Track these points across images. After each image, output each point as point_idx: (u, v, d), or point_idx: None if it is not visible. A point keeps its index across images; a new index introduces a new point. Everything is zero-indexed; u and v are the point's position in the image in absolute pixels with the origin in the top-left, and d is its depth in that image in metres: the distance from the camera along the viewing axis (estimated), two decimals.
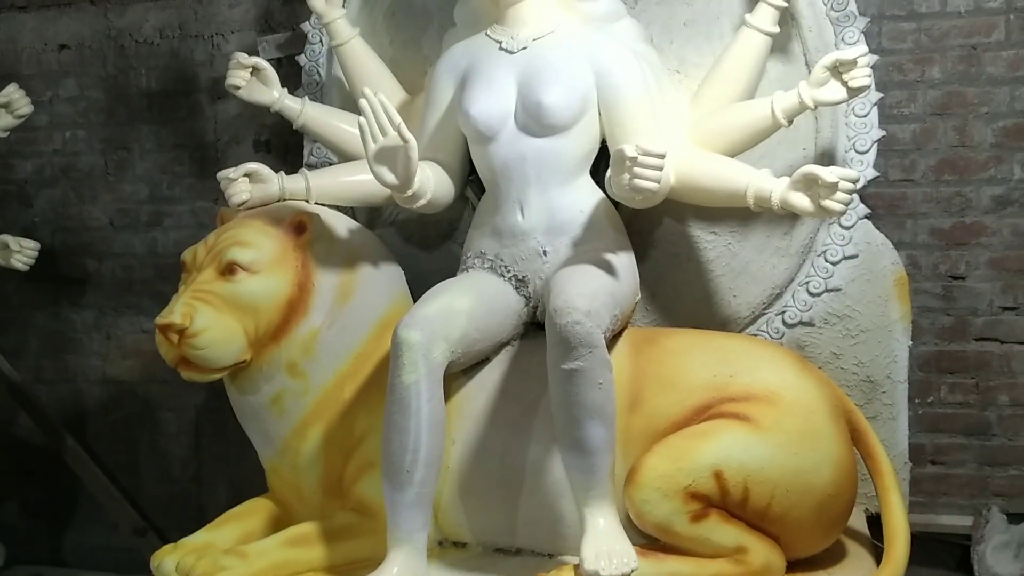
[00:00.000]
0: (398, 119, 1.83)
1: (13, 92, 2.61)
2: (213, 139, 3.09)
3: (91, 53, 3.19)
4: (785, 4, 2.08)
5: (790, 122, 2.00)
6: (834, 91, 1.95)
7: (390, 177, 1.91)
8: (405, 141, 1.84)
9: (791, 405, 1.86)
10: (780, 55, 2.21)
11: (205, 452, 3.20)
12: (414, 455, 1.80)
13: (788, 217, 2.10)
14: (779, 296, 2.29)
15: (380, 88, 2.15)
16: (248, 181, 2.18)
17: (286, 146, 2.93)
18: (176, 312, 1.98)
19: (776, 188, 1.85)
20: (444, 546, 2.09)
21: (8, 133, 2.65)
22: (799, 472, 1.82)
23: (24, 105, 2.62)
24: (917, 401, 2.56)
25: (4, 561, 3.13)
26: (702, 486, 1.78)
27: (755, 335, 2.27)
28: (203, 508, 3.11)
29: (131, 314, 3.23)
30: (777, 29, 2.09)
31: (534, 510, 1.99)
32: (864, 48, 1.96)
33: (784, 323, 2.29)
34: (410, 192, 1.95)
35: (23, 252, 2.61)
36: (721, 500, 1.80)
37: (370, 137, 1.86)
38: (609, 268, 1.98)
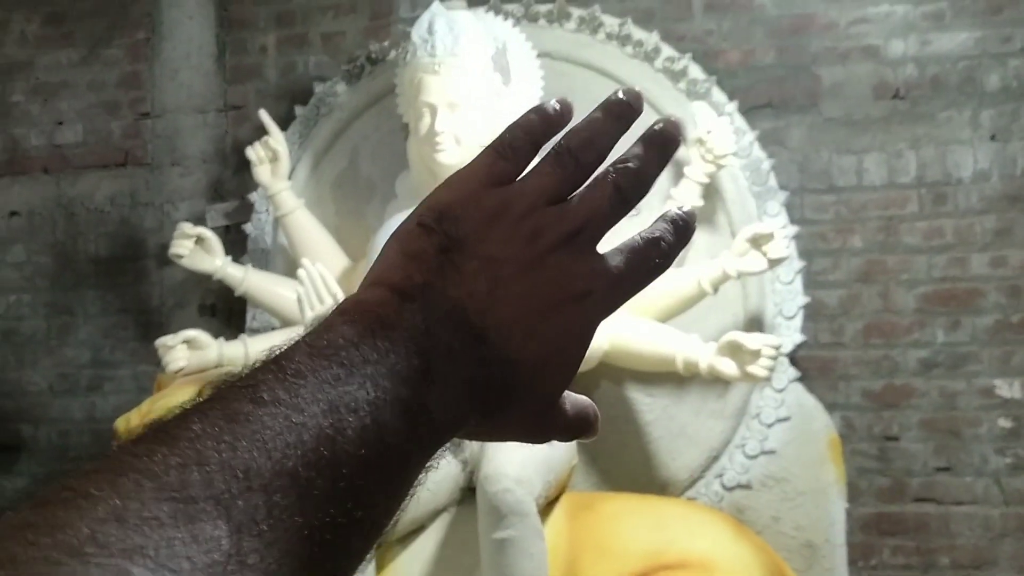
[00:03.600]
0: (335, 288, 1.88)
1: None
2: (158, 303, 3.10)
3: (41, 220, 3.22)
4: (708, 180, 2.20)
5: (716, 290, 2.08)
6: (755, 262, 2.04)
7: None
8: None
9: (726, 573, 1.85)
10: (706, 225, 2.31)
11: None
12: None
13: (721, 380, 2.14)
14: (716, 459, 2.31)
15: (323, 256, 2.21)
16: (187, 348, 2.20)
17: (231, 311, 2.95)
18: None
19: (703, 355, 1.91)
20: None
21: None
22: None
23: None
24: (860, 564, 2.53)
25: None
26: None
27: (694, 499, 2.27)
28: None
29: None
30: (702, 202, 2.21)
31: None
32: (782, 221, 2.07)
33: (723, 486, 2.29)
34: None
35: None
36: None
37: (307, 305, 1.90)
38: None
